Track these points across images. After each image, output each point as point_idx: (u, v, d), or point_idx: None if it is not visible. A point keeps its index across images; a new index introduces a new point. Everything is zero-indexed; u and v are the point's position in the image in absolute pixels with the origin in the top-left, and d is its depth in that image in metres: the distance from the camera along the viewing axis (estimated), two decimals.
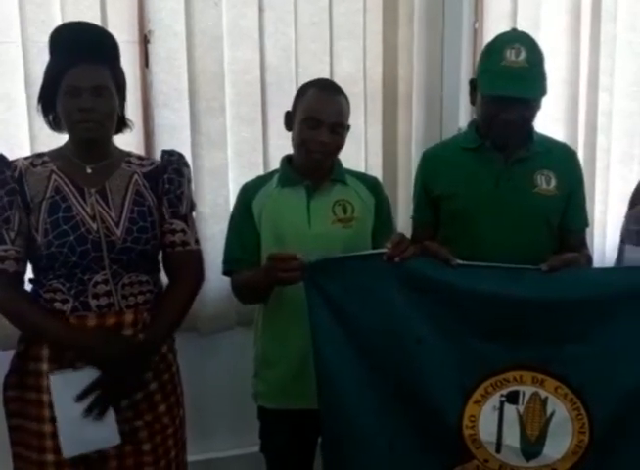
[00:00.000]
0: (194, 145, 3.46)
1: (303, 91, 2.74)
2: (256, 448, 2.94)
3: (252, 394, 2.89)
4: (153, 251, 2.52)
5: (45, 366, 2.40)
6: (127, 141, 2.82)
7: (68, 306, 2.39)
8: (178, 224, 2.56)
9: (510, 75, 2.59)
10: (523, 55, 2.59)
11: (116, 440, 2.37)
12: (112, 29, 2.77)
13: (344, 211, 2.75)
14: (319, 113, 2.63)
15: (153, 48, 3.38)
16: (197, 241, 2.64)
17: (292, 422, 2.80)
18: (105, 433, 2.35)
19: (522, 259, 2.50)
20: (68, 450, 2.34)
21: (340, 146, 2.72)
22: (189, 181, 2.64)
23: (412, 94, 3.83)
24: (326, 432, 2.61)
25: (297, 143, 2.70)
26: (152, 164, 2.60)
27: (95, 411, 2.33)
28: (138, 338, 2.43)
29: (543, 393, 2.47)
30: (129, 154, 2.60)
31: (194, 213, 2.70)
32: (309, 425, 2.73)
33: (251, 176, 2.96)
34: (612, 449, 2.47)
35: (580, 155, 3.86)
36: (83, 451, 2.35)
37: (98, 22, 3.15)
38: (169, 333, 2.56)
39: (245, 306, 3.00)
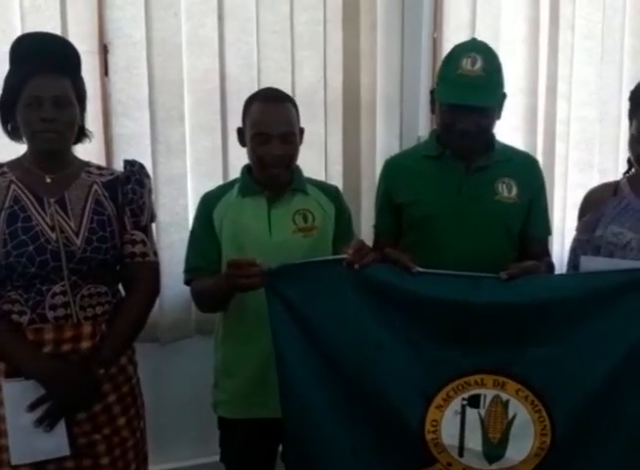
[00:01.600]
0: (154, 154, 3.45)
1: (248, 106, 2.73)
2: (217, 458, 2.93)
3: (212, 403, 2.88)
4: (112, 261, 2.50)
5: (2, 379, 2.39)
6: (87, 150, 2.82)
7: (25, 319, 2.38)
8: (138, 235, 2.56)
9: (465, 84, 2.61)
10: (479, 64, 2.60)
11: (66, 451, 2.37)
12: (72, 39, 2.76)
13: (305, 220, 2.75)
14: (267, 126, 2.63)
15: (112, 58, 3.36)
16: (155, 253, 2.65)
17: (252, 431, 2.79)
18: (54, 443, 2.36)
19: (483, 267, 2.51)
20: (17, 457, 2.34)
21: (294, 155, 2.73)
22: (150, 192, 2.65)
23: (375, 103, 3.84)
24: (288, 439, 2.61)
25: (253, 160, 2.71)
26: (112, 173, 2.59)
27: (45, 422, 2.34)
28: (93, 359, 2.42)
29: (504, 396, 2.48)
30: (88, 164, 2.59)
31: (153, 224, 2.70)
32: (270, 433, 2.73)
33: (210, 185, 2.96)
34: (574, 451, 2.49)
35: (539, 163, 3.92)
36: (32, 460, 2.36)
37: (58, 31, 3.15)
38: (125, 347, 2.55)
39: (204, 315, 3.00)
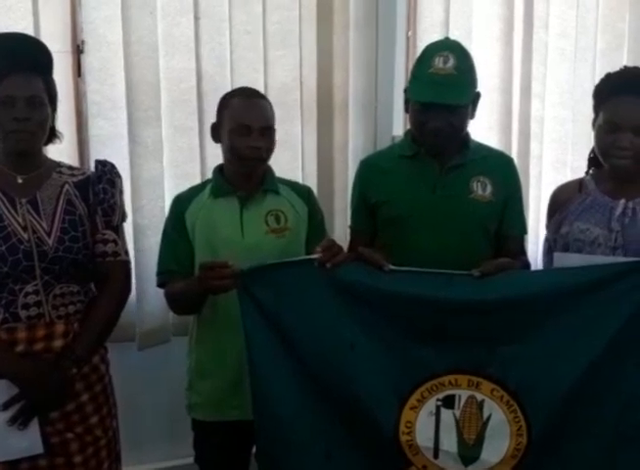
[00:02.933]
0: (131, 155, 3.42)
1: (226, 102, 2.74)
2: (191, 459, 2.93)
3: (186, 406, 2.87)
4: (84, 260, 2.49)
5: None
6: (61, 151, 2.81)
7: None
8: (110, 234, 2.56)
9: (437, 83, 2.61)
10: (451, 62, 2.61)
11: (39, 449, 2.37)
12: (44, 39, 2.76)
13: (277, 221, 2.75)
14: (247, 119, 2.65)
15: (86, 58, 3.33)
16: (126, 252, 2.65)
17: (226, 433, 2.79)
18: (28, 442, 2.36)
19: (459, 266, 2.51)
20: None
21: (271, 149, 2.73)
22: (121, 192, 2.64)
23: (348, 102, 3.83)
24: (261, 442, 2.61)
25: (229, 152, 2.70)
26: (83, 173, 2.58)
27: (19, 421, 2.34)
28: (65, 357, 2.41)
29: (479, 396, 2.48)
30: (60, 164, 2.58)
31: (124, 224, 2.69)
32: (244, 435, 2.73)
33: (186, 187, 2.94)
34: (550, 451, 2.49)
35: (514, 161, 3.92)
36: (5, 458, 2.35)
37: (31, 31, 3.13)
38: (97, 345, 2.54)
39: (182, 318, 2.99)
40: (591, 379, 2.44)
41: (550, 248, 2.84)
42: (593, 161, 2.84)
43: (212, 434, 2.81)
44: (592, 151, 2.85)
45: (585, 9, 4.20)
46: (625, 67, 2.78)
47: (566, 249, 2.67)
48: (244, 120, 2.65)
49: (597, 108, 2.70)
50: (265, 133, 2.68)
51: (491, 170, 2.81)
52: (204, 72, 3.51)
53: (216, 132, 2.77)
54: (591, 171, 2.87)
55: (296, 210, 2.80)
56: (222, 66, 3.53)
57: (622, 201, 2.66)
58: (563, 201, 2.84)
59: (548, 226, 2.90)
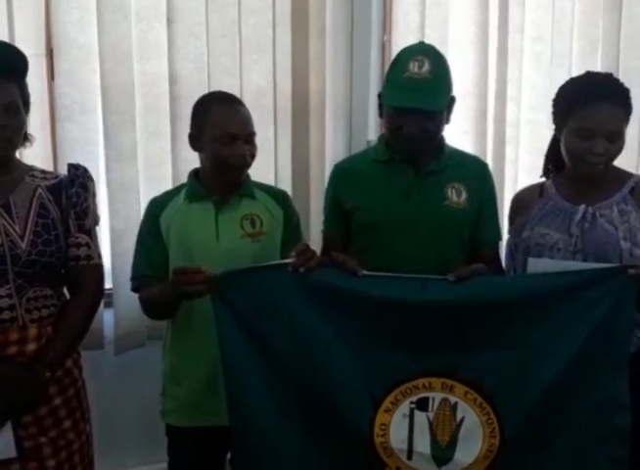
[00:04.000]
0: (107, 159, 3.41)
1: (205, 108, 2.72)
2: (165, 465, 2.91)
3: (160, 411, 2.86)
4: (57, 264, 2.48)
5: None
6: (35, 155, 2.80)
7: None
8: (83, 238, 2.55)
9: (412, 87, 2.60)
10: (426, 67, 2.60)
11: (12, 453, 2.36)
12: (18, 43, 2.75)
13: (253, 225, 2.75)
14: (232, 127, 2.64)
15: (59, 61, 3.32)
16: (99, 255, 2.64)
17: (200, 438, 2.78)
18: (1, 445, 2.35)
19: (433, 272, 2.51)
20: None
21: (254, 154, 2.73)
22: (94, 195, 2.63)
23: (324, 107, 3.83)
24: (236, 446, 2.59)
25: (215, 161, 2.68)
26: (56, 177, 2.57)
27: None
28: (38, 361, 2.40)
29: (453, 398, 2.49)
30: (32, 168, 2.57)
31: (98, 228, 2.68)
32: (218, 441, 2.72)
33: (160, 190, 2.94)
34: (523, 452, 2.51)
35: (489, 166, 3.93)
36: None
37: (5, 34, 3.13)
38: (70, 349, 2.53)
39: (157, 322, 2.98)
40: (565, 382, 2.46)
41: (512, 252, 2.88)
42: (552, 166, 2.89)
43: (187, 439, 2.81)
44: (548, 156, 2.89)
45: (560, 13, 4.22)
46: (588, 72, 2.80)
47: (527, 253, 2.69)
48: (229, 129, 2.64)
49: (563, 115, 2.71)
50: (249, 140, 2.69)
51: (466, 177, 2.81)
52: (178, 77, 3.50)
53: (196, 140, 2.75)
54: (550, 176, 2.90)
55: (271, 214, 2.80)
56: (197, 70, 3.52)
57: (582, 206, 2.69)
58: (524, 205, 2.88)
59: (510, 230, 2.92)
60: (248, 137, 2.68)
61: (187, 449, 2.83)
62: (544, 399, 2.47)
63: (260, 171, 3.20)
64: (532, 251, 2.69)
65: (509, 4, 4.07)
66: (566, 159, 2.72)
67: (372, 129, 3.76)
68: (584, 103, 2.62)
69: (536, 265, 2.56)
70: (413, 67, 2.60)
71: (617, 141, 2.61)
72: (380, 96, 2.80)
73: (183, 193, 2.78)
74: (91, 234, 2.59)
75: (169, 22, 3.47)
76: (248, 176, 2.81)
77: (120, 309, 3.46)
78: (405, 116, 2.61)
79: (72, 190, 2.54)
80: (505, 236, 2.98)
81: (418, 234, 2.73)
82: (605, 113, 2.59)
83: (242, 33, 3.58)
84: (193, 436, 2.78)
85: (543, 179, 2.93)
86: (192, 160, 2.87)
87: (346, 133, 3.88)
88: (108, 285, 3.29)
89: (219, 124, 2.64)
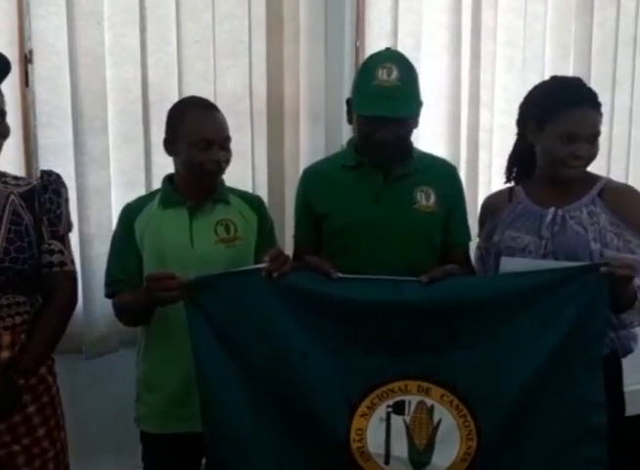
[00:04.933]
0: (78, 164, 3.38)
1: (181, 113, 2.71)
2: None
3: (134, 418, 2.84)
4: (31, 271, 2.46)
5: None
6: (8, 161, 2.78)
7: None
8: (56, 245, 2.54)
9: (382, 95, 2.60)
10: (395, 74, 2.60)
11: None
12: None
13: (227, 230, 2.74)
14: (208, 132, 2.64)
15: (34, 67, 3.30)
16: (72, 262, 2.63)
17: (175, 445, 2.77)
18: None
19: (405, 275, 2.52)
20: None
21: (229, 159, 2.73)
22: (66, 201, 2.62)
23: (298, 112, 3.83)
24: (211, 454, 2.58)
25: (190, 167, 2.68)
26: (28, 183, 2.55)
27: None
28: (12, 369, 2.38)
29: (429, 401, 2.49)
30: (5, 174, 2.55)
31: (70, 234, 2.66)
32: (193, 448, 2.71)
33: (133, 196, 2.93)
34: (501, 454, 2.51)
35: (462, 171, 3.96)
36: None
37: None
38: (44, 356, 2.51)
39: (130, 328, 2.97)
40: (540, 383, 2.47)
41: (482, 256, 2.91)
42: (519, 172, 2.93)
43: (161, 446, 2.79)
44: (512, 161, 2.92)
45: (532, 18, 4.25)
46: (556, 77, 2.85)
47: (498, 256, 2.70)
48: (205, 134, 2.63)
49: (543, 119, 2.72)
50: (225, 145, 2.69)
51: (435, 180, 2.82)
52: (150, 82, 3.49)
53: (170, 145, 2.74)
54: (512, 180, 2.94)
55: (245, 219, 2.80)
56: (170, 76, 3.51)
57: (552, 209, 2.72)
58: (494, 209, 2.93)
59: (480, 235, 2.95)
60: (223, 142, 2.68)
61: (162, 456, 2.82)
62: (520, 399, 2.47)
63: (237, 176, 3.20)
64: (503, 254, 2.71)
65: (482, 9, 4.09)
66: (542, 163, 2.75)
67: (346, 133, 3.74)
68: (566, 107, 2.66)
69: (509, 265, 2.56)
70: (382, 74, 2.60)
71: (596, 143, 2.67)
72: (348, 103, 2.81)
73: (157, 198, 2.78)
74: (64, 240, 2.58)
75: (142, 28, 3.45)
76: (222, 182, 2.81)
77: (91, 315, 3.43)
78: (377, 123, 2.62)
79: (45, 196, 2.52)
80: (475, 240, 3.00)
81: (388, 238, 2.74)
82: (588, 116, 2.65)
83: (216, 39, 3.57)
84: (168, 442, 2.77)
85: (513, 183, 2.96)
86: (165, 165, 2.86)
87: (321, 138, 3.87)
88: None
89: (195, 130, 2.64)
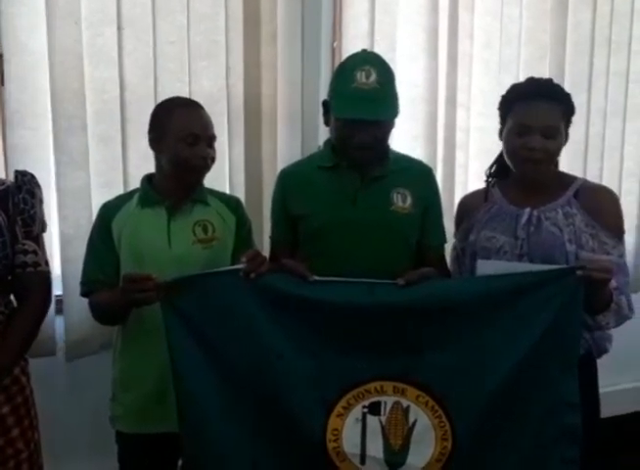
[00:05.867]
0: (56, 164, 3.37)
1: (168, 111, 2.72)
2: None
3: (110, 418, 2.84)
4: (4, 271, 2.47)
5: None
6: None
7: None
8: (30, 245, 2.54)
9: (362, 98, 2.61)
10: (373, 76, 2.61)
11: None
12: None
13: (205, 231, 2.75)
14: (196, 128, 2.66)
15: (8, 66, 3.27)
16: (46, 262, 2.63)
17: (150, 445, 2.77)
18: None
19: (381, 276, 2.53)
20: None
21: (214, 158, 2.76)
22: (41, 202, 2.62)
23: (276, 113, 3.83)
24: (187, 454, 2.59)
25: (177, 162, 2.68)
26: (2, 184, 2.55)
27: None
28: None
29: (405, 402, 2.51)
30: None
31: (45, 234, 2.66)
32: (169, 448, 2.72)
33: (110, 196, 2.92)
34: (476, 455, 2.53)
35: (439, 171, 3.97)
36: None
37: None
38: (18, 357, 2.52)
39: (109, 329, 2.97)
40: (516, 384, 2.48)
41: (458, 256, 2.93)
42: (497, 172, 2.94)
43: (137, 446, 2.80)
44: (494, 163, 2.93)
45: (508, 20, 4.25)
46: (532, 77, 2.85)
47: (473, 257, 2.74)
48: (193, 129, 2.65)
49: (504, 116, 2.77)
50: (211, 143, 2.71)
51: (411, 181, 2.84)
52: (127, 82, 3.47)
53: (156, 143, 2.74)
54: (492, 181, 2.95)
55: (223, 220, 2.81)
56: (146, 76, 3.49)
57: (528, 209, 2.74)
58: (469, 210, 2.94)
59: (456, 235, 2.96)
60: (209, 140, 2.71)
61: (137, 456, 2.82)
62: (495, 400, 2.49)
63: (214, 177, 3.19)
64: (479, 254, 2.73)
65: (458, 11, 4.08)
66: (507, 160, 2.76)
67: (323, 134, 3.75)
68: (521, 101, 2.69)
69: (485, 267, 2.58)
70: (360, 77, 2.61)
71: (555, 138, 2.66)
72: (325, 105, 2.82)
73: (135, 198, 2.78)
74: (38, 241, 2.58)
75: (119, 28, 3.44)
76: (201, 183, 2.82)
77: (71, 316, 3.41)
78: (356, 125, 2.63)
79: (19, 196, 2.52)
80: (451, 241, 3.01)
81: (365, 240, 2.76)
82: (540, 109, 2.65)
83: (191, 39, 3.56)
84: (143, 442, 2.77)
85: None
86: (143, 165, 2.86)
87: (298, 138, 3.87)
88: (58, 291, 3.27)
89: (183, 125, 2.66)
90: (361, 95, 2.61)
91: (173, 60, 3.55)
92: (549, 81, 2.78)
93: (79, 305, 3.28)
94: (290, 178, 2.93)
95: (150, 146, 2.77)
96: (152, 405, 2.72)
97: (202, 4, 3.58)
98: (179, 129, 2.66)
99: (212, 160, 2.74)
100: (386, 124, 2.70)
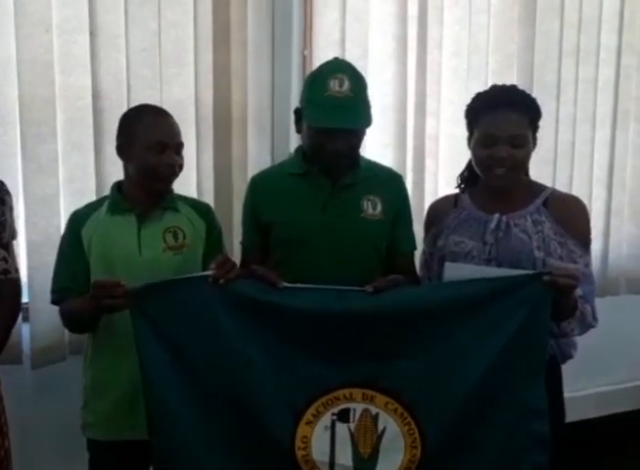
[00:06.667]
0: (25, 172, 3.36)
1: (136, 119, 2.73)
2: None
3: (81, 425, 2.83)
4: None
5: None
6: None
7: None
8: (0, 252, 2.52)
9: (335, 106, 2.62)
10: (346, 85, 2.62)
11: None
12: None
13: (175, 237, 2.75)
14: (163, 136, 2.66)
15: None
16: (17, 270, 2.63)
17: (121, 453, 2.76)
18: None
19: (351, 284, 2.53)
20: None
21: (182, 166, 2.75)
22: (11, 209, 2.62)
23: (246, 119, 3.84)
24: (157, 461, 2.58)
25: (144, 170, 2.68)
26: None
27: None
28: None
29: (374, 409, 2.51)
30: None
31: (14, 242, 2.66)
32: (140, 455, 2.69)
33: (82, 203, 2.92)
34: (445, 462, 2.53)
35: (409, 179, 3.99)
36: None
37: None
38: None
39: (78, 336, 2.96)
40: (484, 391, 2.49)
41: (427, 261, 2.95)
42: (467, 178, 2.95)
43: (108, 454, 2.79)
44: (465, 170, 2.95)
45: (477, 29, 4.29)
46: (494, 85, 2.88)
47: (441, 262, 2.72)
48: (160, 138, 2.65)
49: (471, 126, 2.78)
50: (178, 151, 2.71)
51: (381, 189, 2.85)
52: (100, 90, 3.47)
53: (123, 151, 2.74)
54: (462, 187, 2.97)
55: (194, 226, 2.81)
56: (118, 83, 3.49)
57: (497, 215, 2.74)
58: (439, 215, 2.94)
59: (425, 240, 2.98)
60: (177, 147, 2.70)
61: (109, 463, 2.81)
62: (464, 407, 2.50)
63: (183, 184, 3.20)
64: (447, 259, 2.72)
65: (427, 20, 4.12)
66: (476, 169, 2.78)
67: (293, 141, 3.77)
68: (487, 111, 2.70)
69: (453, 270, 2.58)
70: (334, 85, 2.62)
71: (522, 146, 2.67)
72: (296, 113, 2.82)
73: (105, 205, 2.78)
74: (8, 248, 2.58)
75: (91, 35, 3.44)
76: (171, 189, 2.82)
77: (37, 324, 3.41)
78: (329, 133, 2.63)
79: None
80: (421, 247, 3.03)
81: (335, 247, 2.76)
82: (506, 118, 2.66)
83: (162, 46, 3.57)
84: (115, 449, 2.76)
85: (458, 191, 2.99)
86: (115, 172, 2.85)
87: (269, 145, 3.88)
88: (24, 299, 3.26)
89: (151, 133, 2.65)
90: (335, 103, 2.63)
91: (145, 67, 3.55)
92: (513, 88, 2.79)
93: (46, 313, 3.29)
94: (260, 185, 2.93)
95: (117, 153, 2.77)
96: (123, 412, 2.71)
97: (172, 11, 3.59)
98: (147, 137, 2.65)
99: (180, 167, 2.74)
100: (359, 132, 2.72)
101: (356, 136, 2.71)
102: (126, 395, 2.69)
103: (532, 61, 4.43)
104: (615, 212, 4.87)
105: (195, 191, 3.68)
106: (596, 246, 4.67)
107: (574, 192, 4.27)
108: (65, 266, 2.76)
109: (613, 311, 3.74)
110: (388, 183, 2.92)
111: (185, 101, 3.63)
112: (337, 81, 2.62)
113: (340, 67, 2.72)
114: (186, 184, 3.54)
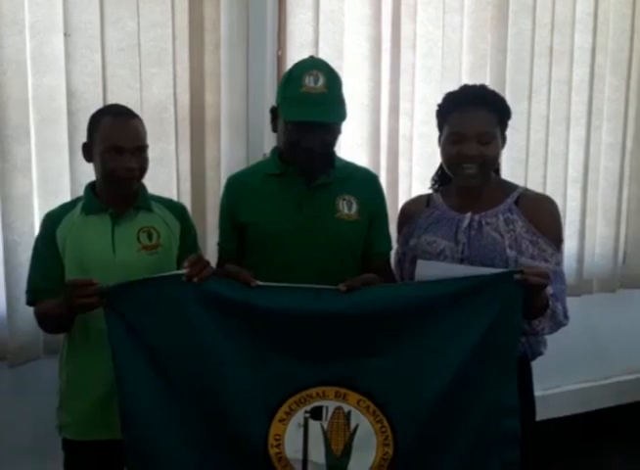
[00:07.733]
0: (0, 172, 3.37)
1: (97, 120, 2.73)
2: None
3: (56, 425, 2.84)
4: None
5: None
6: None
7: None
8: None
9: (310, 101, 2.65)
10: (321, 81, 2.65)
11: None
12: None
13: (150, 237, 2.76)
14: (119, 140, 2.65)
15: None
16: None
17: (97, 453, 2.78)
18: None
19: (326, 283, 2.54)
20: None
21: (144, 168, 2.75)
22: None
23: (220, 121, 3.84)
24: (130, 461, 2.58)
25: (103, 173, 2.70)
26: None
27: None
28: None
29: (346, 407, 2.52)
30: None
31: None
32: (115, 455, 2.68)
33: (57, 203, 2.93)
34: (417, 460, 2.54)
35: (383, 179, 3.99)
36: None
37: None
38: None
39: (53, 336, 2.96)
40: (455, 388, 2.51)
41: (400, 260, 2.97)
42: (440, 178, 2.98)
43: (83, 453, 2.80)
44: (439, 169, 2.97)
45: (450, 29, 4.30)
46: (465, 85, 2.91)
47: (414, 261, 2.71)
48: (116, 141, 2.65)
49: (441, 125, 2.81)
50: (137, 153, 2.69)
51: (357, 189, 2.87)
52: (74, 90, 3.46)
53: (88, 152, 2.76)
54: (436, 187, 3.00)
55: (168, 226, 2.83)
56: (94, 83, 3.48)
57: (469, 214, 2.77)
58: (411, 215, 2.97)
59: (398, 239, 3.00)
60: (135, 150, 2.69)
61: (84, 464, 2.82)
62: (435, 405, 2.51)
63: (162, 185, 3.21)
64: (419, 258, 2.72)
65: (401, 20, 4.13)
66: (445, 168, 2.81)
67: (268, 142, 3.78)
68: (455, 109, 2.73)
69: (425, 268, 2.58)
70: (309, 81, 2.65)
71: (490, 143, 2.69)
72: (272, 111, 2.84)
73: (79, 206, 2.79)
74: None
75: (66, 35, 3.43)
76: (144, 189, 2.84)
77: (14, 323, 3.41)
78: (305, 129, 2.66)
79: None
80: (395, 246, 3.04)
81: (310, 247, 2.78)
82: (474, 116, 2.69)
83: (141, 46, 3.56)
84: (90, 449, 2.77)
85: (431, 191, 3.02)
86: (89, 173, 2.85)
87: (243, 146, 3.89)
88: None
89: (107, 137, 2.66)
90: (310, 98, 2.65)
91: (124, 66, 3.55)
92: (482, 88, 2.82)
93: (22, 312, 3.30)
94: (236, 185, 2.95)
95: (82, 155, 2.80)
96: (99, 412, 2.72)
97: (151, 11, 3.59)
98: (103, 140, 2.67)
99: (141, 169, 2.74)
100: (334, 128, 2.74)
101: (331, 133, 2.73)
102: (102, 394, 2.70)
103: (505, 61, 4.46)
104: (589, 212, 4.90)
105: (175, 192, 3.68)
106: (570, 244, 4.71)
107: (549, 192, 4.32)
108: (39, 268, 2.76)
109: (585, 309, 3.78)
110: (364, 184, 2.94)
111: (164, 101, 3.63)
112: (312, 78, 2.65)
113: (315, 64, 2.75)
114: (167, 185, 3.59)
